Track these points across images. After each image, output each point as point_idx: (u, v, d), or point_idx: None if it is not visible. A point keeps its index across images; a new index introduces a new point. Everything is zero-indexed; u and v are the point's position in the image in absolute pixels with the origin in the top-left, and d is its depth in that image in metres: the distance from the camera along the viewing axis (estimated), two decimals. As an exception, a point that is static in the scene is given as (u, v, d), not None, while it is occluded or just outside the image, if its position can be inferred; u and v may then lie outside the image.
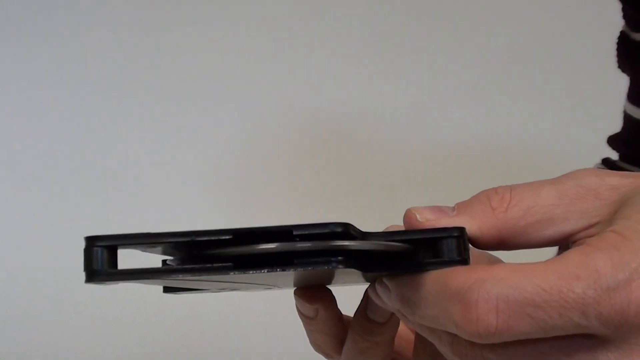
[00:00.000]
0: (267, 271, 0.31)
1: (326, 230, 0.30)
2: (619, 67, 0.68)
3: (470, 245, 0.34)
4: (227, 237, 0.31)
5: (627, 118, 0.69)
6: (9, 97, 1.10)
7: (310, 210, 1.06)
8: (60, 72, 1.10)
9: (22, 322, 0.97)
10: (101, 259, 0.31)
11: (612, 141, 0.71)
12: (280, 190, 1.07)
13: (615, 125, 0.71)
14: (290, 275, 0.34)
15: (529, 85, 1.08)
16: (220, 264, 0.31)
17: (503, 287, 0.30)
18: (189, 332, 0.97)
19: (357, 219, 1.06)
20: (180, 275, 0.31)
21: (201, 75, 1.10)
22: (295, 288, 0.42)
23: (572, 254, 0.31)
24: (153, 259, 0.35)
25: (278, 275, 0.32)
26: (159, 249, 0.33)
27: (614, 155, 0.71)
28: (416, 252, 0.33)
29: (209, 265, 0.31)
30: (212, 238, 0.31)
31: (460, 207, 0.34)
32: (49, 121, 1.10)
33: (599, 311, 0.30)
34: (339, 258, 0.31)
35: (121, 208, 1.05)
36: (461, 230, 0.33)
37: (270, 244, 0.31)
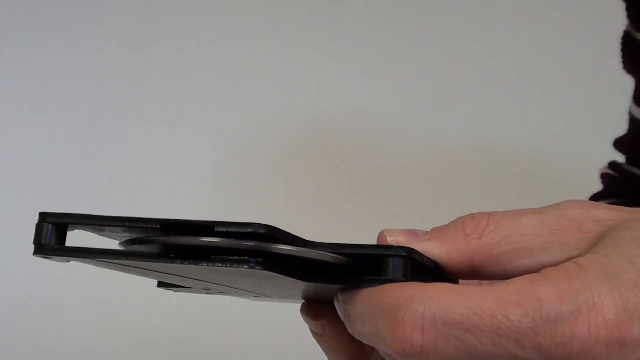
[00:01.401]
0: (180, 263, 0.31)
1: (248, 230, 0.30)
2: (624, 68, 0.67)
3: (444, 272, 0.33)
4: (156, 227, 0.31)
5: (633, 120, 0.68)
6: (5, 96, 1.09)
7: (304, 212, 1.06)
8: (58, 72, 1.10)
9: (20, 321, 0.97)
10: (49, 235, 0.32)
11: (618, 144, 0.69)
12: (277, 193, 1.07)
13: (621, 128, 0.70)
14: (276, 283, 0.34)
15: (532, 87, 1.07)
16: (139, 251, 0.32)
17: (430, 306, 0.29)
18: (189, 332, 0.97)
19: (354, 221, 1.05)
20: (105, 258, 0.32)
21: (198, 77, 1.10)
22: (303, 302, 0.41)
23: (519, 280, 0.30)
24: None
25: (234, 276, 0.32)
26: (109, 232, 0.34)
27: (620, 158, 0.70)
28: (361, 268, 0.32)
29: (127, 250, 0.32)
30: (141, 225, 0.31)
31: (434, 232, 0.33)
32: (48, 121, 1.09)
33: (537, 342, 0.28)
34: (258, 259, 0.30)
35: (120, 207, 1.04)
36: (409, 250, 0.32)
37: (187, 237, 0.31)
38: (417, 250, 0.32)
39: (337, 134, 1.08)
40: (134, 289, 0.98)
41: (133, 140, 1.09)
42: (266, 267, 0.30)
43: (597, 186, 0.71)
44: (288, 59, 1.10)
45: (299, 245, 0.31)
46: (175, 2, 1.11)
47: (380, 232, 0.34)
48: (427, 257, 0.33)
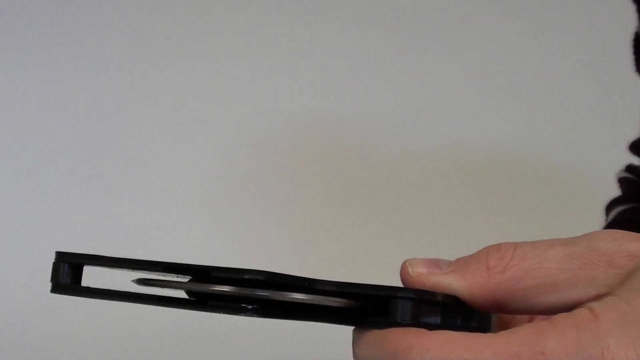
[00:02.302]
0: (179, 307, 0.31)
1: (245, 277, 0.30)
2: (637, 70, 0.66)
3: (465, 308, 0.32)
4: (158, 269, 0.32)
5: (648, 123, 0.67)
6: (5, 97, 1.08)
7: (305, 217, 1.05)
8: (59, 75, 1.10)
9: (20, 320, 0.97)
10: (66, 274, 0.33)
11: (634, 147, 0.68)
12: (278, 196, 1.07)
13: (636, 131, 0.69)
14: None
15: (545, 91, 1.06)
16: (143, 294, 0.32)
17: (427, 358, 0.28)
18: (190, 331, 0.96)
19: (357, 223, 1.05)
20: (115, 299, 0.33)
21: (199, 77, 1.10)
22: None
23: (525, 329, 0.28)
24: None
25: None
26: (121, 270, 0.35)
27: (636, 162, 0.69)
28: (368, 308, 0.31)
29: (134, 293, 0.33)
30: (145, 268, 0.32)
31: (458, 263, 0.32)
32: (49, 122, 1.09)
33: None
34: (254, 307, 0.30)
35: (120, 209, 1.06)
36: (418, 292, 0.30)
37: (186, 284, 0.31)
38: (436, 285, 0.31)
39: (338, 137, 1.07)
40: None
41: (134, 143, 1.09)
42: (264, 314, 0.30)
43: (615, 191, 0.70)
44: (289, 60, 1.10)
45: (300, 288, 0.31)
46: (175, 3, 1.11)
47: (403, 263, 0.32)
48: (444, 295, 0.31)
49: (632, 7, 0.64)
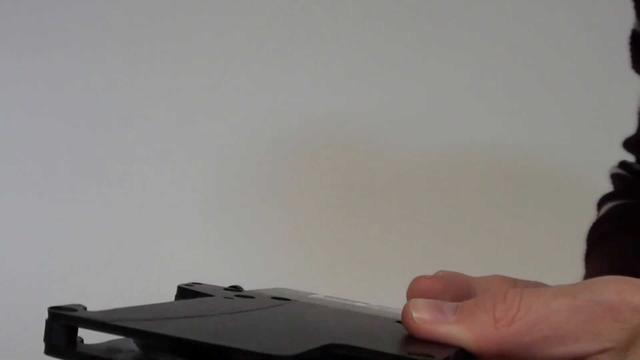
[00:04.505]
0: None
1: None
2: (633, 67, 0.66)
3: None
4: (165, 346, 0.30)
5: (643, 120, 0.67)
6: (5, 96, 1.08)
7: (310, 221, 1.05)
8: (60, 73, 1.10)
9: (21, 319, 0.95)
10: (60, 335, 0.32)
11: (628, 144, 0.69)
12: (282, 198, 1.06)
13: (631, 128, 0.69)
14: None
15: (540, 87, 1.06)
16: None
17: None
18: None
19: (356, 227, 1.04)
20: None
21: (202, 77, 1.10)
22: None
23: None
24: None
25: None
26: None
27: (630, 159, 0.69)
28: None
29: (138, 354, 0.31)
30: (152, 342, 0.30)
31: (463, 311, 0.32)
32: (49, 122, 1.09)
33: None
34: None
35: (121, 211, 1.05)
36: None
37: None
38: (442, 337, 0.31)
39: (343, 137, 1.07)
40: (139, 292, 0.98)
41: (136, 143, 1.09)
42: None
43: (607, 187, 0.71)
44: (293, 59, 1.09)
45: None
46: (175, 5, 1.11)
47: (406, 304, 0.32)
48: (453, 351, 0.31)
49: (630, 4, 0.65)
